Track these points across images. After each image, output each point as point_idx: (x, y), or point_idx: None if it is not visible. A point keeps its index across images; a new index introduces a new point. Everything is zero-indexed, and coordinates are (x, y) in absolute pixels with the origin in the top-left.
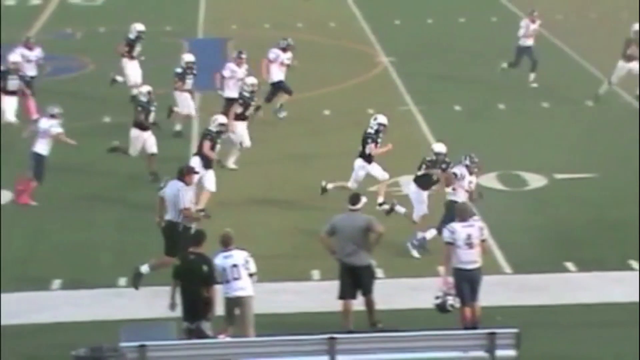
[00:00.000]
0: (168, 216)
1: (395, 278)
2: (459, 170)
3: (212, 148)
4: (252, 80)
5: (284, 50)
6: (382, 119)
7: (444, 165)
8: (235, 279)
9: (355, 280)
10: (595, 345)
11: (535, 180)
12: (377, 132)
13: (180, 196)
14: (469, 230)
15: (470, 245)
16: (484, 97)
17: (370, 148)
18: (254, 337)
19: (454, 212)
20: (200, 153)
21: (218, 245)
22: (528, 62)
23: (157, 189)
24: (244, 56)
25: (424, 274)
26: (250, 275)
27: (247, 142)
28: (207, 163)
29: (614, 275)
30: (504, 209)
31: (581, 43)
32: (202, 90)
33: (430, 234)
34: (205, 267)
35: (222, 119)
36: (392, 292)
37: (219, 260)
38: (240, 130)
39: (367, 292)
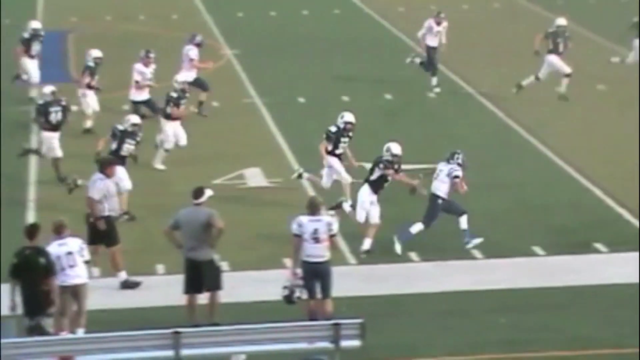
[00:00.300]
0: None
1: (241, 271)
2: (455, 168)
3: (119, 146)
4: (182, 78)
5: (199, 45)
6: (348, 116)
7: (396, 166)
8: (71, 266)
9: (199, 275)
10: (438, 333)
11: None
12: (344, 129)
13: (90, 186)
14: (317, 225)
15: (316, 239)
16: (327, 90)
17: (343, 147)
18: (98, 334)
19: (438, 207)
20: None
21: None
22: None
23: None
24: (152, 55)
25: (269, 266)
26: (86, 262)
27: (182, 142)
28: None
29: (456, 265)
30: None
31: None
32: (53, 83)
33: (416, 228)
34: (42, 260)
35: (134, 118)
36: (237, 285)
37: (53, 249)
38: (173, 130)
39: (212, 289)
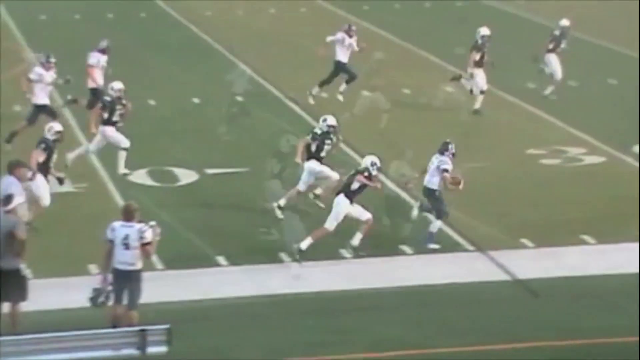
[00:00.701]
0: None
1: (45, 278)
2: (445, 160)
3: (49, 157)
4: (118, 85)
5: (103, 52)
6: (331, 120)
7: (366, 173)
8: None
9: (5, 284)
10: (245, 337)
11: (186, 176)
12: (327, 132)
13: None
14: (128, 231)
15: (127, 245)
16: (133, 93)
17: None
18: None
19: (437, 197)
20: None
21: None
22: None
23: None
24: (52, 60)
25: (74, 273)
26: None
27: (124, 144)
28: (43, 172)
29: (265, 268)
30: (155, 204)
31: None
32: None
33: (435, 225)
34: None
35: (57, 126)
36: (41, 293)
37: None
38: (112, 135)
39: (16, 300)
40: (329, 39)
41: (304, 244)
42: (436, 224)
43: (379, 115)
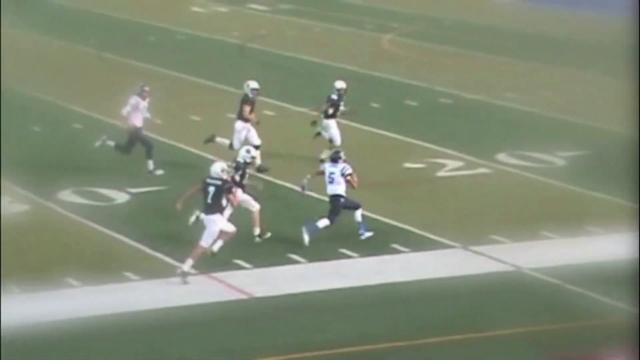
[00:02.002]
0: None
1: None
2: (345, 167)
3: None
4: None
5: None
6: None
7: (227, 186)
8: None
9: None
10: None
11: None
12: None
13: None
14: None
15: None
16: None
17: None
18: None
19: (341, 205)
20: None
21: None
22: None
23: None
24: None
25: None
26: None
27: None
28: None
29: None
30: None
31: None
32: None
33: (323, 223)
34: None
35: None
36: None
37: None
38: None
39: None
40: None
41: (187, 265)
42: (359, 213)
43: None
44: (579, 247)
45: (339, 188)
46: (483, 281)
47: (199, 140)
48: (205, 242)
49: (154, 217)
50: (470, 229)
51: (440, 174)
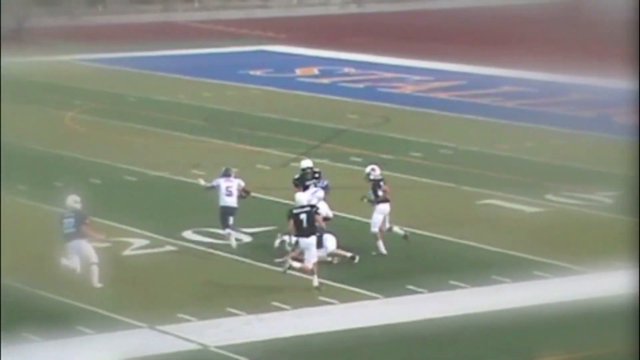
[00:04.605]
0: None
1: None
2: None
3: None
4: None
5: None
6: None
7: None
8: None
9: None
10: None
11: None
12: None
13: None
14: None
15: None
16: None
17: None
18: None
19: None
20: None
21: None
22: None
23: None
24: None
25: None
26: None
27: None
28: None
29: None
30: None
31: None
32: None
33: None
34: None
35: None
36: None
37: None
38: None
39: None
40: None
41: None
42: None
43: None
44: (273, 322)
45: (233, 200)
46: None
47: None
48: (309, 262)
49: None
50: (157, 308)
51: (126, 252)
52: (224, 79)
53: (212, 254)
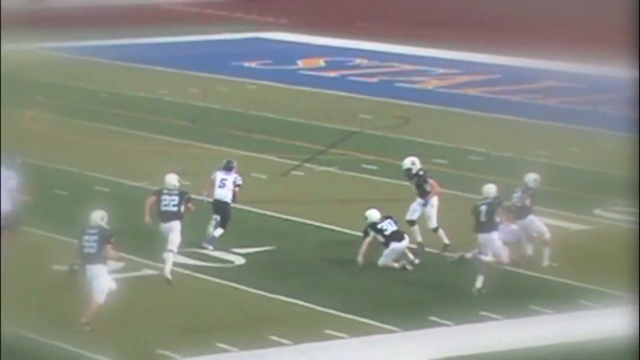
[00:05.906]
0: None
1: None
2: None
3: None
4: None
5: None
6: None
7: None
8: None
9: None
10: None
11: None
12: None
13: None
14: None
15: None
16: None
17: None
18: None
19: (230, 210)
20: None
21: None
22: None
23: None
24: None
25: None
26: None
27: None
28: None
29: None
30: None
31: None
32: None
33: (219, 232)
34: None
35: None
36: None
37: None
38: None
39: None
40: None
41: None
42: (219, 231)
43: None
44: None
45: (228, 195)
46: None
47: None
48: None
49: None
50: (133, 344)
51: None
52: (213, 71)
53: (198, 278)
